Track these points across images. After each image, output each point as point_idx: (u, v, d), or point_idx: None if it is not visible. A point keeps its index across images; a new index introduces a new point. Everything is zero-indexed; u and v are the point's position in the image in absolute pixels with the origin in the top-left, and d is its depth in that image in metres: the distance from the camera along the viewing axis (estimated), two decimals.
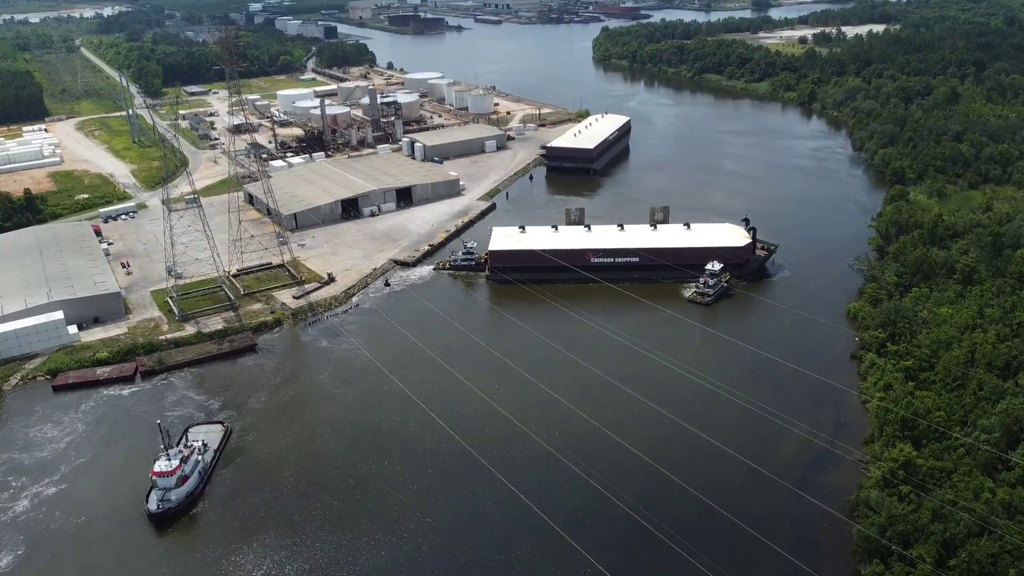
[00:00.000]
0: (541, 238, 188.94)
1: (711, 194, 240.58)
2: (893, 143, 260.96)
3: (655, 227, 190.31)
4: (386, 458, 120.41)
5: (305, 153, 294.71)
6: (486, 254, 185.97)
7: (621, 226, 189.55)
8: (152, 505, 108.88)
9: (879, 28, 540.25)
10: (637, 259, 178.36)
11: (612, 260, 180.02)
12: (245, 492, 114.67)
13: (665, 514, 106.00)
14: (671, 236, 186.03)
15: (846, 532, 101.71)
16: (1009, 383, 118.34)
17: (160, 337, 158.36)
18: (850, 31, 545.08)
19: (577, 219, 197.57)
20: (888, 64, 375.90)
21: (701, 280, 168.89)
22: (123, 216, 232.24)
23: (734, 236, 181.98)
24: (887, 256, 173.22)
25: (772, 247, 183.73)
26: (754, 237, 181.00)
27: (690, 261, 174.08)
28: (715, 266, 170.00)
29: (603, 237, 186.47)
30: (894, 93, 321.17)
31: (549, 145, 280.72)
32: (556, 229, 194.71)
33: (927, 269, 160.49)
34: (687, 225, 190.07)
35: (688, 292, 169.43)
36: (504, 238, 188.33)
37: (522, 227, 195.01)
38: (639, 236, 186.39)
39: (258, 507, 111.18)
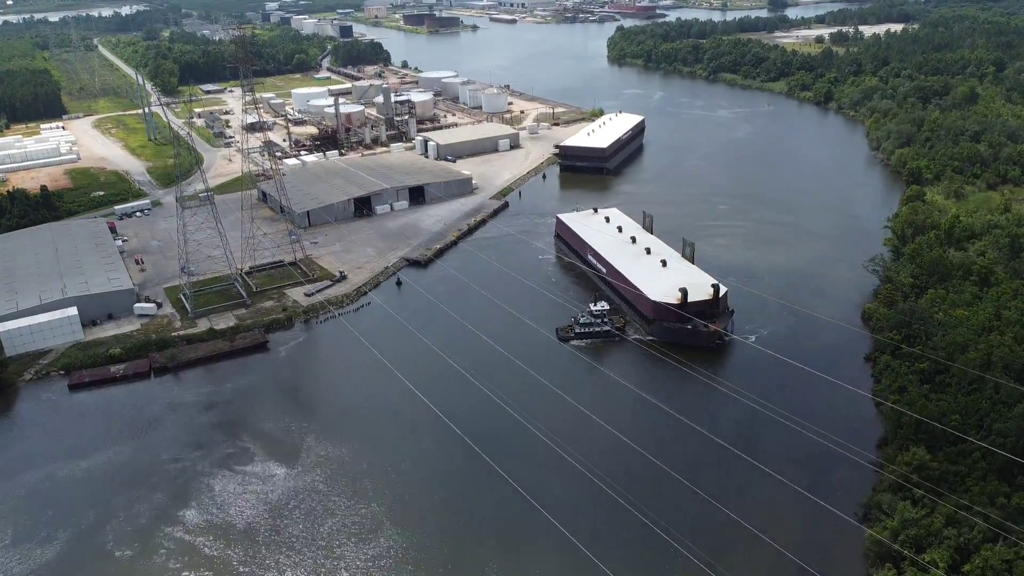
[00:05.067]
0: (585, 222, 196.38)
1: (718, 196, 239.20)
2: (910, 143, 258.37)
3: (648, 252, 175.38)
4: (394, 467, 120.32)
5: (319, 151, 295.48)
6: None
7: (633, 239, 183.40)
8: None
9: (897, 27, 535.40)
10: (604, 271, 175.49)
11: (595, 262, 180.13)
12: None
13: (673, 515, 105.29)
14: (636, 263, 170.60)
15: (858, 536, 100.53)
16: None
17: (173, 334, 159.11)
18: (867, 30, 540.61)
19: (648, 225, 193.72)
20: (906, 63, 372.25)
21: (581, 314, 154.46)
22: (138, 213, 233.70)
23: (667, 288, 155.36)
24: (903, 257, 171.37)
25: (713, 326, 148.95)
26: (683, 301, 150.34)
27: (624, 293, 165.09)
28: (601, 305, 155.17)
29: (609, 239, 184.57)
30: (911, 93, 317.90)
31: (562, 144, 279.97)
32: (607, 220, 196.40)
33: (943, 270, 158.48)
34: (664, 262, 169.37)
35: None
36: (577, 214, 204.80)
37: (595, 209, 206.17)
38: (621, 251, 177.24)
39: None
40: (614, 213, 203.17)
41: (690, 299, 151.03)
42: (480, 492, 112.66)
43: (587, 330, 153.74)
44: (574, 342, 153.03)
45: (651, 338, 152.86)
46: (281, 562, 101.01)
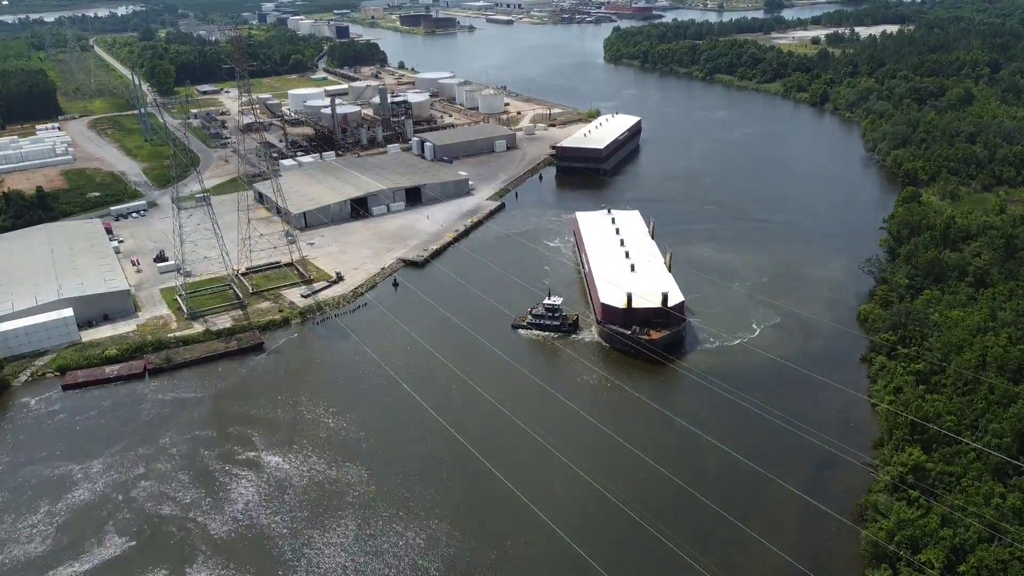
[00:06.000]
0: (592, 222, 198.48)
1: (713, 197, 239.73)
2: (906, 144, 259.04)
3: (627, 255, 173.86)
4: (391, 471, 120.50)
5: (315, 152, 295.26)
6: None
7: (622, 241, 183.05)
8: None
9: (893, 29, 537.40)
10: (586, 269, 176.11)
11: (584, 260, 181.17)
12: None
13: (669, 517, 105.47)
14: (610, 264, 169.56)
15: (854, 537, 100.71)
16: (1021, 387, 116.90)
17: (169, 335, 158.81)
18: (863, 32, 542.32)
19: (651, 230, 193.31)
20: (901, 65, 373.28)
21: (535, 306, 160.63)
22: (134, 214, 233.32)
23: (621, 292, 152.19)
24: (898, 258, 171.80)
25: (655, 334, 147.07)
26: (627, 306, 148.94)
27: (591, 292, 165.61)
28: (553, 299, 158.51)
29: (601, 239, 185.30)
30: (907, 94, 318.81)
31: (559, 145, 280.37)
32: (613, 221, 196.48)
33: (939, 271, 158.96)
34: (633, 267, 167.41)
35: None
36: (591, 213, 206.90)
37: (608, 209, 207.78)
38: (605, 252, 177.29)
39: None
40: (625, 215, 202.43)
41: (634, 305, 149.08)
42: (477, 491, 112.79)
43: (538, 322, 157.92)
44: (523, 332, 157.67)
45: (599, 340, 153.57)
46: (280, 547, 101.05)
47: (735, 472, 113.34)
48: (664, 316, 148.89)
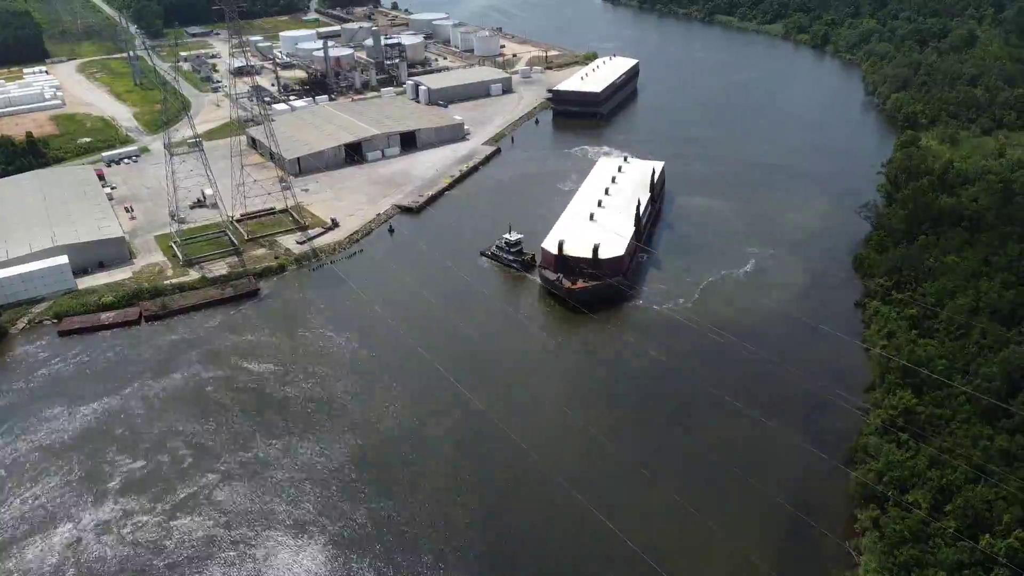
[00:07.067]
0: (601, 167, 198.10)
1: (711, 139, 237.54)
2: (906, 87, 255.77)
3: (600, 204, 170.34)
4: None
5: (308, 96, 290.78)
6: None
7: (607, 190, 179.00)
8: None
9: None
10: None
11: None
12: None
13: (656, 456, 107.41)
14: (575, 210, 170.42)
15: (844, 478, 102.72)
16: (1013, 331, 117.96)
17: (164, 282, 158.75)
18: None
19: (652, 180, 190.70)
20: (904, 5, 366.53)
21: (500, 239, 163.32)
22: (126, 160, 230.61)
23: (554, 240, 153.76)
24: (895, 203, 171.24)
25: (580, 284, 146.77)
26: (559, 253, 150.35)
27: None
28: (512, 235, 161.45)
29: (591, 186, 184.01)
30: (909, 35, 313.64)
31: (555, 88, 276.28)
32: (620, 169, 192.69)
33: (935, 216, 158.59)
34: (592, 215, 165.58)
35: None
36: (610, 159, 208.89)
37: (626, 157, 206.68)
38: (584, 198, 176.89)
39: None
40: (639, 163, 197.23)
41: (567, 253, 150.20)
42: (473, 434, 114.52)
43: (498, 254, 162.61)
44: (486, 262, 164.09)
45: (539, 281, 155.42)
46: (284, 473, 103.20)
47: (725, 414, 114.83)
48: (597, 267, 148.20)
